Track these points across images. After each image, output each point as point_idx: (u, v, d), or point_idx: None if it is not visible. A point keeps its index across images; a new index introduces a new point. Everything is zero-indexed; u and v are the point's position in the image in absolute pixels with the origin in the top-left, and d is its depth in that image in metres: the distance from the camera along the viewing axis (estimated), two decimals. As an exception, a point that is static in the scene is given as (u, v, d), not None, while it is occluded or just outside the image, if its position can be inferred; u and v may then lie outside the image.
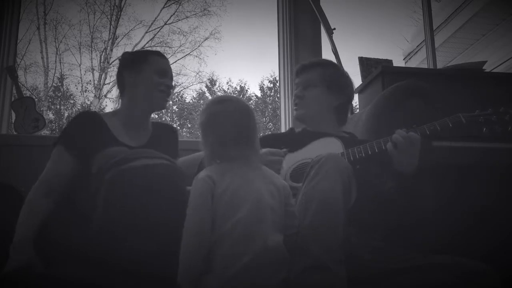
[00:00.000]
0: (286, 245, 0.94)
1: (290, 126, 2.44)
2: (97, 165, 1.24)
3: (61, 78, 8.35)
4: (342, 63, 2.27)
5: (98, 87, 8.14)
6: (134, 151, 1.21)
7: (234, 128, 0.99)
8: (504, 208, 1.66)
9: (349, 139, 1.44)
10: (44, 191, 1.25)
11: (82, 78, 8.26)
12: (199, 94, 9.63)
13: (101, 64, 8.22)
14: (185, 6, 8.61)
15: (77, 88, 8.42)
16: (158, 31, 8.43)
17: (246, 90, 10.49)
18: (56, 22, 8.07)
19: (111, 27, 8.30)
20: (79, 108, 8.48)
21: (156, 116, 8.50)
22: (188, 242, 0.89)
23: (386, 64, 2.27)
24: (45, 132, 2.40)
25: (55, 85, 8.41)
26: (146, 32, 8.33)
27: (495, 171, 1.70)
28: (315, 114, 1.49)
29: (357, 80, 2.22)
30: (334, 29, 2.35)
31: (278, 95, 2.95)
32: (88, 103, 8.26)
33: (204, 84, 9.60)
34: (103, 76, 8.18)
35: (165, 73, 1.45)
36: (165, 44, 8.43)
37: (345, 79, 1.54)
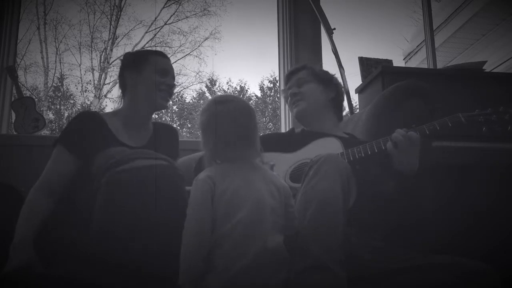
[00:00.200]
0: (286, 245, 0.94)
1: (290, 126, 2.44)
2: (97, 165, 1.24)
3: (61, 78, 8.34)
4: (342, 63, 2.28)
5: (98, 87, 8.13)
6: (134, 151, 1.20)
7: (235, 128, 0.98)
8: (504, 208, 1.66)
9: (349, 139, 1.44)
10: (44, 191, 1.25)
11: (82, 78, 8.26)
12: (199, 94, 9.62)
13: (101, 64, 8.21)
14: (185, 6, 8.60)
15: (77, 88, 8.42)
16: (158, 31, 8.43)
17: (246, 90, 10.49)
18: (56, 22, 8.07)
19: (111, 27, 8.29)
20: (79, 108, 8.47)
21: (156, 116, 8.45)
22: (188, 242, 0.89)
23: (386, 64, 2.27)
24: (45, 132, 2.39)
25: (55, 85, 8.40)
26: (146, 32, 8.32)
27: (495, 171, 1.70)
28: (315, 108, 1.52)
29: (357, 80, 2.22)
30: (334, 29, 2.35)
31: (278, 95, 2.95)
32: (88, 103, 8.26)
33: (204, 84, 9.59)
34: (103, 76, 8.17)
35: (166, 72, 1.44)
36: (165, 44, 8.43)
37: (330, 74, 1.62)
